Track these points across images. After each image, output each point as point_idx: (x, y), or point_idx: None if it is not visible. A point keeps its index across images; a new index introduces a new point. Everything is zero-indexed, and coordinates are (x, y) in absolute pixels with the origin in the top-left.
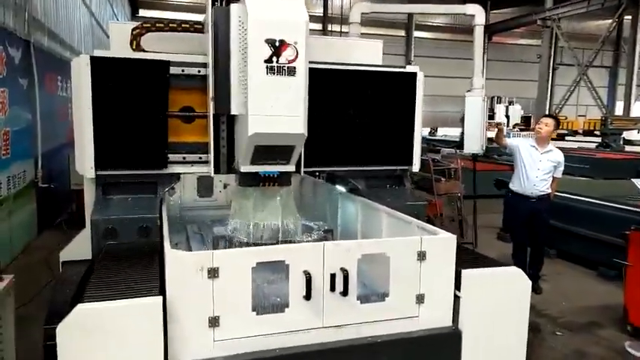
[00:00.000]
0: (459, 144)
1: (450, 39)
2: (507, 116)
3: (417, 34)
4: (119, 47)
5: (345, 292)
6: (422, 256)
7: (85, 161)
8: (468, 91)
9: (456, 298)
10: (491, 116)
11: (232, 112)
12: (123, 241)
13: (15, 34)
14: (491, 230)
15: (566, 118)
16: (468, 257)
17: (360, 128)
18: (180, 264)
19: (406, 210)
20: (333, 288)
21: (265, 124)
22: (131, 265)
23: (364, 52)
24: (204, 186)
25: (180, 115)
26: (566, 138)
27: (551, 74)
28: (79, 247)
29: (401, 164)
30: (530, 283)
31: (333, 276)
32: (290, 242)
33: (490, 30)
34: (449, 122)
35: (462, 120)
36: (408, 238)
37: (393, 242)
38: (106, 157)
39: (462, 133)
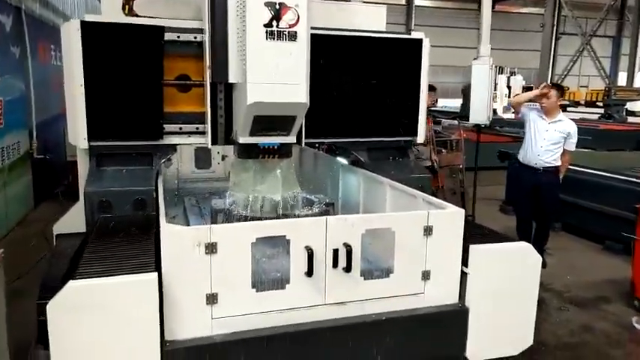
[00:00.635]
0: (461, 115)
1: (451, 7)
2: (509, 87)
3: (417, 2)
4: (111, 12)
5: (348, 268)
6: (428, 231)
7: (77, 132)
8: (475, 59)
9: (463, 275)
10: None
11: (230, 80)
12: (117, 214)
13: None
14: (494, 203)
15: (568, 89)
16: (475, 232)
17: (362, 98)
18: (177, 239)
19: (411, 183)
20: (335, 264)
21: (265, 93)
22: (126, 240)
23: (366, 18)
24: (202, 157)
25: (176, 84)
26: (568, 109)
27: (553, 44)
28: (73, 220)
29: (405, 135)
30: (540, 259)
31: (335, 251)
32: (290, 216)
33: None
34: (449, 93)
35: (464, 90)
36: (414, 212)
37: (398, 217)
38: (99, 127)
39: (463, 104)
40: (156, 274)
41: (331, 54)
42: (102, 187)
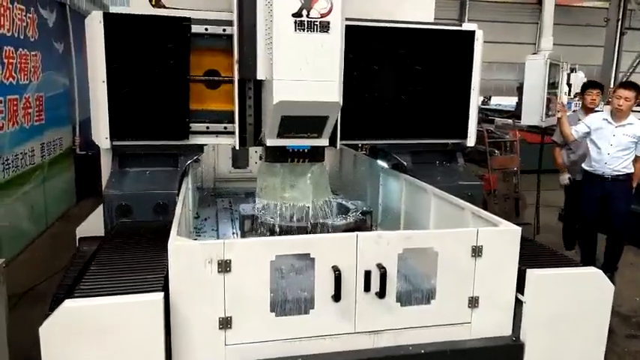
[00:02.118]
0: (517, 114)
1: (507, 0)
2: (569, 84)
3: None
4: (140, 4)
5: (382, 293)
6: (477, 251)
7: (100, 130)
8: (533, 53)
9: (518, 303)
10: (553, 84)
11: (258, 77)
12: (137, 219)
13: None
14: (551, 210)
15: None
16: (533, 253)
17: (406, 96)
18: (186, 254)
19: (459, 190)
20: (367, 288)
21: (293, 91)
22: (138, 251)
23: (412, 8)
24: (240, 157)
25: (203, 80)
26: (634, 109)
27: (618, 39)
28: (97, 223)
29: (453, 137)
30: (612, 287)
31: (367, 274)
32: (322, 225)
33: None
34: (504, 91)
35: (519, 88)
36: (461, 230)
37: (442, 235)
38: (122, 126)
39: (518, 102)
40: (162, 294)
41: (371, 47)
42: (122, 190)
